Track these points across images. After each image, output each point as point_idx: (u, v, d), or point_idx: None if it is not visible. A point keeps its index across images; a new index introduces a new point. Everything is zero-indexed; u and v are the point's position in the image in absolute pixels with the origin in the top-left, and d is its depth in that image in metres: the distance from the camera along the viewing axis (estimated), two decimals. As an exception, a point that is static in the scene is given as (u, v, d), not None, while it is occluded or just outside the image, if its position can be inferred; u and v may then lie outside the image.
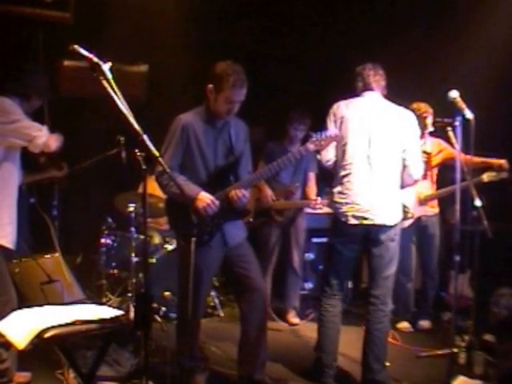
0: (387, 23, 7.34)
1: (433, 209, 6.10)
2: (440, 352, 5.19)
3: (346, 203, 4.43)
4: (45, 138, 4.12)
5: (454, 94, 4.38)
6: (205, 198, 4.10)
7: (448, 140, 4.71)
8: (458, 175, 4.55)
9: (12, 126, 4.03)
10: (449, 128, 4.59)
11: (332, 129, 4.42)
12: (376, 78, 4.60)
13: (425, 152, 5.93)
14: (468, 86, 4.78)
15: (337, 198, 4.50)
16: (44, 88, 4.36)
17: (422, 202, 5.98)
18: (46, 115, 4.60)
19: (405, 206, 5.86)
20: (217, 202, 4.14)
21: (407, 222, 5.95)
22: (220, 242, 4.29)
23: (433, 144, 5.99)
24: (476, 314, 5.00)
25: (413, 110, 5.74)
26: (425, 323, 6.19)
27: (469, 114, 4.33)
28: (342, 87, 4.78)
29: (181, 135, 4.22)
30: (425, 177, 5.95)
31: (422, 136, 5.86)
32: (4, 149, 4.08)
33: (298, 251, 6.34)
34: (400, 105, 4.65)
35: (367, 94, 4.61)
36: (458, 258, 4.43)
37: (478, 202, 4.80)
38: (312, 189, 6.18)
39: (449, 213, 6.19)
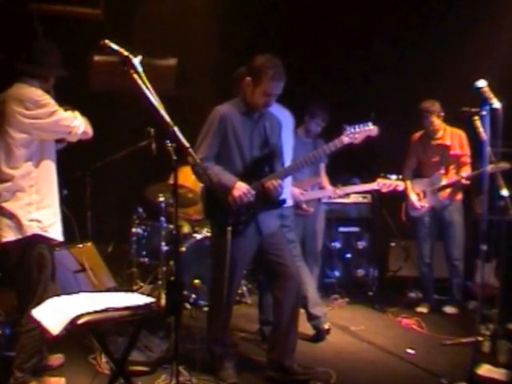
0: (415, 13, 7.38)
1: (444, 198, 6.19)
2: (464, 340, 5.20)
3: None
4: (83, 127, 4.07)
5: (481, 83, 4.39)
6: (241, 187, 4.16)
7: (475, 129, 4.72)
8: (486, 165, 4.59)
9: (51, 120, 3.91)
10: (476, 117, 4.61)
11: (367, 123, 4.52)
12: None
13: None
14: (496, 75, 4.79)
15: None
16: (59, 65, 4.15)
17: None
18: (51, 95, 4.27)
19: None
20: (252, 192, 4.20)
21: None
22: (254, 231, 4.35)
23: None
24: (501, 302, 5.00)
25: None
26: (449, 309, 6.29)
27: (496, 104, 4.33)
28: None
29: (218, 126, 4.26)
30: None
31: None
32: (39, 142, 3.97)
33: (321, 240, 6.40)
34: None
35: None
36: (484, 248, 4.44)
37: (504, 192, 4.80)
38: (325, 179, 6.22)
39: (475, 203, 6.22)
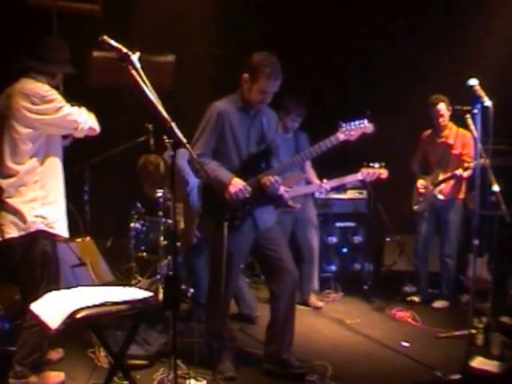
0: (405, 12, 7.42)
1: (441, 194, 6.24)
2: (458, 333, 5.25)
3: None
4: (89, 123, 4.04)
5: (472, 81, 4.43)
6: (238, 184, 4.18)
7: (467, 127, 4.78)
8: (478, 162, 4.65)
9: (58, 116, 3.89)
10: (468, 115, 4.65)
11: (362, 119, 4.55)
12: None
13: None
14: (487, 73, 4.84)
15: None
16: (67, 62, 4.12)
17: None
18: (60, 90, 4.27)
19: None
20: (248, 188, 4.22)
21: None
22: (251, 226, 4.38)
23: None
24: (493, 296, 5.08)
25: None
26: (437, 304, 6.36)
27: (487, 102, 4.37)
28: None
29: (216, 122, 4.27)
30: None
31: None
32: (45, 137, 3.95)
33: (313, 232, 6.40)
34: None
35: None
36: (476, 242, 4.49)
37: (496, 188, 4.85)
38: (312, 173, 6.22)
39: (468, 198, 6.27)
